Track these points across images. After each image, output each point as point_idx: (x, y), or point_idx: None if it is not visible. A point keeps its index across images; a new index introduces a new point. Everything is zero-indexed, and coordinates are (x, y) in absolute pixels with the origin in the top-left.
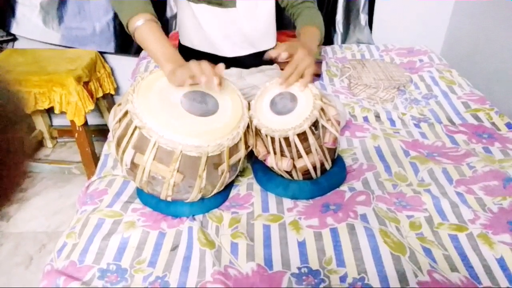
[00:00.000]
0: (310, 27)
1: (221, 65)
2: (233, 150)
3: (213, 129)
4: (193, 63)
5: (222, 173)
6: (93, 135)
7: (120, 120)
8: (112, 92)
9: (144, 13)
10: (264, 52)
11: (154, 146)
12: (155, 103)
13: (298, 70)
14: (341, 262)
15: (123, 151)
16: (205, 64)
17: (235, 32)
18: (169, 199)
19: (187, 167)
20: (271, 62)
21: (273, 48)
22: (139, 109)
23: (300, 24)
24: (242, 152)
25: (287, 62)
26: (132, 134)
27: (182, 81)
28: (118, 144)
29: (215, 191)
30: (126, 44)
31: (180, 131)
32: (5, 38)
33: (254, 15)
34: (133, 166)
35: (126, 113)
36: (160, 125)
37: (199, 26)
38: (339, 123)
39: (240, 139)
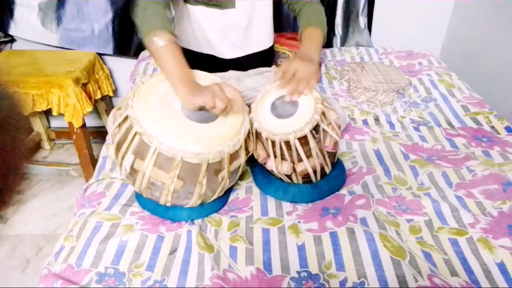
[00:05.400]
0: (312, 29)
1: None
2: (233, 156)
3: (213, 136)
4: (208, 95)
5: (222, 180)
6: (91, 137)
7: (120, 125)
8: (111, 94)
9: (166, 32)
10: (262, 52)
11: (155, 153)
12: (156, 109)
13: (300, 86)
14: (340, 266)
15: (123, 156)
16: (218, 95)
17: (234, 33)
18: (168, 204)
19: (187, 173)
20: (269, 63)
21: (271, 47)
22: (140, 114)
23: (302, 25)
24: (242, 158)
25: None
26: (132, 140)
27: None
28: (118, 149)
29: (214, 196)
30: (124, 45)
31: (180, 138)
32: (3, 39)
33: (252, 15)
34: (133, 171)
35: (126, 118)
36: (161, 131)
37: (197, 28)
38: (339, 127)
39: (241, 146)
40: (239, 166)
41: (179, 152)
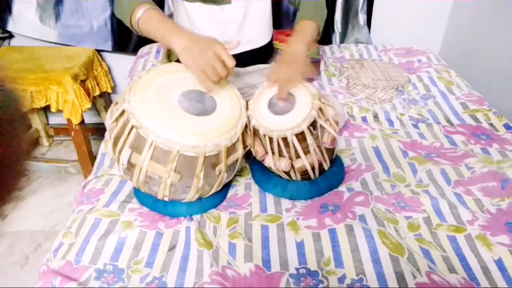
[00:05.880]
0: (306, 21)
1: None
2: (230, 150)
3: (210, 129)
4: (208, 53)
5: (220, 173)
6: (89, 134)
7: (117, 119)
8: (109, 91)
9: (141, 4)
10: (260, 48)
11: (151, 146)
12: (152, 102)
13: (285, 87)
14: (339, 263)
15: (120, 151)
16: (219, 57)
17: (231, 29)
18: (166, 199)
19: (184, 167)
20: (268, 60)
21: (269, 43)
22: (136, 108)
23: (297, 17)
24: (240, 152)
25: None
26: (128, 134)
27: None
28: (115, 144)
29: (212, 191)
30: (123, 42)
31: (177, 131)
32: (1, 36)
33: (249, 10)
34: (130, 165)
35: (123, 112)
36: (157, 124)
37: (195, 26)
38: (337, 123)
39: (238, 139)
40: (237, 160)
41: (176, 145)
